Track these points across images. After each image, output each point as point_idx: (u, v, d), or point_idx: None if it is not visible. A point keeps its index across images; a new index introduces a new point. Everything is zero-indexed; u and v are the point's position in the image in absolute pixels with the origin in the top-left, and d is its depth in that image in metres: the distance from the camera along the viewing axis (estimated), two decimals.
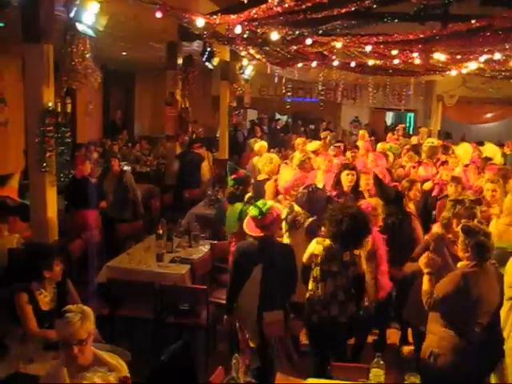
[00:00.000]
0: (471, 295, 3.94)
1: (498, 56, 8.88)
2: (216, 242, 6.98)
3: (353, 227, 4.47)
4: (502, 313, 4.77)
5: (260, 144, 9.84)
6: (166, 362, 4.06)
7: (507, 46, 7.57)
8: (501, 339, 4.24)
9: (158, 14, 5.66)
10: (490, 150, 10.29)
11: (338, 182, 6.71)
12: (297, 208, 5.88)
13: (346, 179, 6.58)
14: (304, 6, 5.71)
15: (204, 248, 6.86)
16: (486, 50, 7.89)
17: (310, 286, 4.70)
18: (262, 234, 4.64)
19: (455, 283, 3.99)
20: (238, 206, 6.23)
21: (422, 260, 4.34)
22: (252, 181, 7.06)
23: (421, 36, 6.69)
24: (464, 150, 9.79)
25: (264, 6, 5.68)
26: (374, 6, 5.81)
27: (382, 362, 3.71)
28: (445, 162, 8.41)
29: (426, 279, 4.24)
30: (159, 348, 4.53)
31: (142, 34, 8.63)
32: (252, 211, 4.71)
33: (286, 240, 5.77)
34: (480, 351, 3.98)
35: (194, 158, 10.30)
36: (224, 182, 9.20)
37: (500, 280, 4.24)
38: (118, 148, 12.81)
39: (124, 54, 12.18)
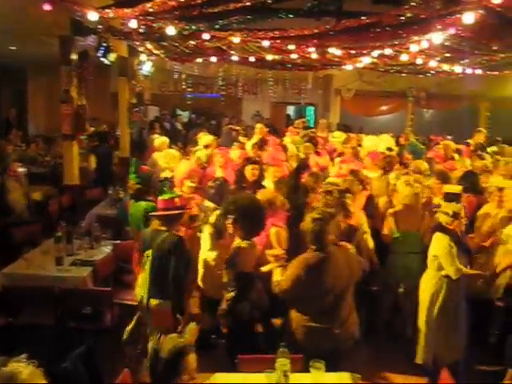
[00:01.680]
0: (313, 279, 4.21)
1: (388, 51, 9.30)
2: (119, 241, 6.81)
3: (251, 216, 4.58)
4: (429, 283, 5.23)
5: (160, 140, 9.73)
6: (68, 368, 3.90)
7: (396, 42, 7.92)
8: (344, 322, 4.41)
9: (46, 7, 5.41)
10: (371, 140, 10.73)
11: (241, 176, 6.75)
12: (207, 203, 5.86)
13: (250, 173, 6.63)
14: (199, 1, 5.67)
15: (106, 249, 6.69)
16: (377, 45, 8.22)
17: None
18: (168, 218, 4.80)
19: (298, 269, 4.27)
20: (143, 204, 6.14)
21: (269, 253, 4.59)
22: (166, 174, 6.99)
23: (315, 31, 6.87)
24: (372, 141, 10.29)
25: (158, 0, 5.58)
26: (269, 1, 5.88)
27: (287, 351, 3.77)
28: (341, 154, 8.68)
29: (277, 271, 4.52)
30: (62, 355, 4.35)
31: (30, 27, 8.21)
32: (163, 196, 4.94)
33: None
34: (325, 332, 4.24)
35: (107, 150, 10.06)
36: (125, 181, 8.98)
37: (350, 263, 4.46)
38: (13, 149, 12.12)
39: (12, 48, 11.54)
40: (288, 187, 6.38)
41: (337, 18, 7.93)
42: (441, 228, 5.35)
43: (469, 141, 12.01)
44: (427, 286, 5.38)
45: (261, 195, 5.58)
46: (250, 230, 4.73)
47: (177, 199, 4.88)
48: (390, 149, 9.45)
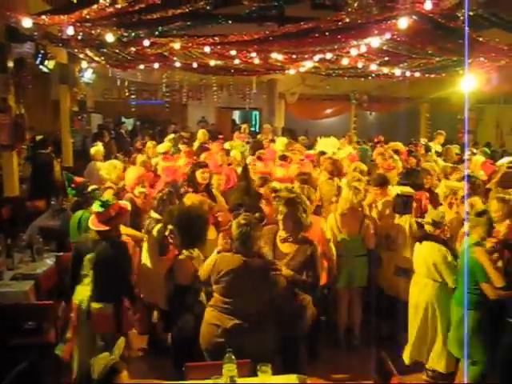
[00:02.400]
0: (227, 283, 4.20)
1: (329, 55, 9.47)
2: (62, 253, 6.65)
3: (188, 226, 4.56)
4: (425, 293, 5.32)
5: (95, 149, 9.63)
6: None
7: (336, 47, 8.08)
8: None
9: None
10: (325, 143, 10.89)
11: (191, 181, 6.70)
12: (153, 214, 5.78)
13: (201, 177, 6.60)
14: (137, 7, 5.62)
15: (49, 261, 6.53)
16: (317, 49, 8.35)
17: None
18: (106, 228, 4.78)
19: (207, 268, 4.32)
20: (79, 213, 6.06)
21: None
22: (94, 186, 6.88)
23: (255, 37, 6.91)
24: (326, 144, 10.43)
25: (95, 6, 5.50)
26: (208, 7, 5.88)
27: (233, 357, 3.77)
28: (285, 157, 8.73)
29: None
30: (4, 372, 4.20)
31: None
32: (95, 207, 4.84)
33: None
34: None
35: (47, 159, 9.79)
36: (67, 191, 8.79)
37: (266, 275, 4.27)
38: None
39: None
40: (239, 191, 6.41)
41: (279, 23, 8.04)
42: (427, 236, 5.43)
43: (431, 144, 12.36)
44: (422, 293, 5.42)
45: (187, 200, 5.62)
46: (189, 240, 4.69)
47: (112, 210, 4.81)
48: (322, 152, 9.56)
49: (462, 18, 6.47)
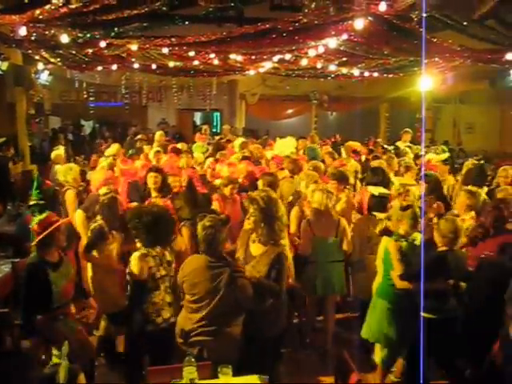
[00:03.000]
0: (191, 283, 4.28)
1: (288, 56, 9.54)
2: (18, 260, 6.49)
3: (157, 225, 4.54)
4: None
5: (56, 153, 9.47)
6: None
7: (294, 47, 8.13)
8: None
9: None
10: (283, 143, 10.92)
11: (145, 184, 6.66)
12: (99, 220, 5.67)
13: (151, 181, 6.55)
14: (92, 8, 5.54)
15: (5, 268, 6.36)
16: (276, 50, 8.39)
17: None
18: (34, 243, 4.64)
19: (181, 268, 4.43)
20: (37, 218, 5.90)
21: None
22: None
23: (213, 38, 6.89)
24: (283, 144, 10.45)
25: (48, 6, 5.39)
26: (164, 8, 5.84)
27: (193, 360, 3.75)
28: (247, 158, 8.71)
29: None
30: None
31: None
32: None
33: None
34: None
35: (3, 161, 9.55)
36: (26, 195, 8.57)
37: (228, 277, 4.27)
38: None
39: None
40: (182, 199, 6.34)
41: (238, 24, 8.02)
42: (385, 232, 5.49)
43: (398, 143, 12.48)
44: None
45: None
46: (152, 239, 4.64)
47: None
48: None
49: (415, 19, 6.61)
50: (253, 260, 4.55)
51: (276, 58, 9.76)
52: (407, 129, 12.74)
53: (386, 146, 12.09)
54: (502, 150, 16.51)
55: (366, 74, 12.78)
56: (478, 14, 6.72)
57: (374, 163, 8.13)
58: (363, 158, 10.39)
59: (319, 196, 5.96)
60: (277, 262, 4.47)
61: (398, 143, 12.29)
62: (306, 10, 6.63)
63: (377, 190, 6.34)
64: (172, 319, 4.60)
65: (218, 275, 4.22)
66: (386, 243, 5.23)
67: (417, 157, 10.10)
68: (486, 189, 7.26)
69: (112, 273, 5.38)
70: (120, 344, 5.57)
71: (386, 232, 5.48)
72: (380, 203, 6.14)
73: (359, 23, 6.50)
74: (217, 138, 13.23)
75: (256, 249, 4.60)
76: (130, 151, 10.22)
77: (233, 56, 9.33)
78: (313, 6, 6.79)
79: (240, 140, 10.96)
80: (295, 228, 6.23)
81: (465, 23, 6.98)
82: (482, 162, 9.05)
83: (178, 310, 4.57)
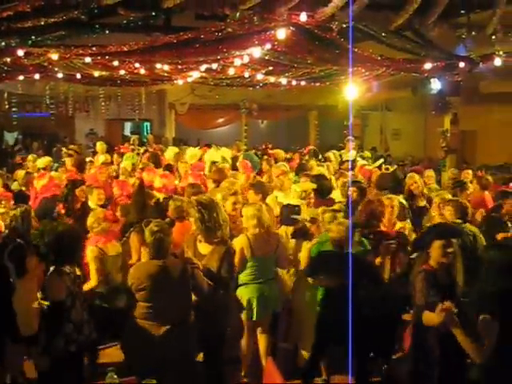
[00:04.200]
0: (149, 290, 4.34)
1: (215, 65, 9.53)
2: None
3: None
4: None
5: None
6: None
7: (219, 57, 8.12)
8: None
9: None
10: (212, 154, 10.94)
11: (66, 200, 6.48)
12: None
13: (79, 195, 6.42)
14: (5, 15, 5.34)
15: None
16: (200, 59, 8.36)
17: None
18: None
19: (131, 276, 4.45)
20: None
21: None
22: None
23: (135, 47, 6.79)
24: (191, 154, 10.40)
25: None
26: (83, 16, 5.71)
27: (115, 376, 3.66)
28: (170, 167, 8.68)
29: None
30: None
31: None
32: None
33: None
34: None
35: None
36: None
37: (185, 277, 4.48)
38: None
39: None
40: (135, 207, 6.23)
41: (165, 33, 7.92)
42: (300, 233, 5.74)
43: (342, 152, 12.60)
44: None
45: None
46: (61, 258, 4.46)
47: None
48: (214, 162, 9.61)
49: (336, 29, 6.76)
50: (203, 258, 4.83)
51: (203, 67, 9.73)
52: (350, 137, 12.96)
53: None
54: (427, 155, 17.15)
55: (294, 82, 12.92)
56: (394, 25, 6.96)
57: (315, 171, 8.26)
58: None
59: (251, 210, 5.56)
60: (226, 258, 4.84)
61: (342, 152, 12.48)
62: (228, 20, 6.63)
63: (287, 200, 6.52)
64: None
65: (174, 272, 4.40)
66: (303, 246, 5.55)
67: (342, 163, 10.32)
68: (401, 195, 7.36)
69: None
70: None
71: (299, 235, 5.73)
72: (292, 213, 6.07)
73: (281, 33, 6.58)
74: (141, 149, 13.12)
75: (204, 248, 4.92)
76: (56, 164, 9.96)
77: (159, 65, 9.23)
78: (237, 15, 6.81)
79: (175, 149, 10.92)
80: None
81: (383, 34, 7.21)
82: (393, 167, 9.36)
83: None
